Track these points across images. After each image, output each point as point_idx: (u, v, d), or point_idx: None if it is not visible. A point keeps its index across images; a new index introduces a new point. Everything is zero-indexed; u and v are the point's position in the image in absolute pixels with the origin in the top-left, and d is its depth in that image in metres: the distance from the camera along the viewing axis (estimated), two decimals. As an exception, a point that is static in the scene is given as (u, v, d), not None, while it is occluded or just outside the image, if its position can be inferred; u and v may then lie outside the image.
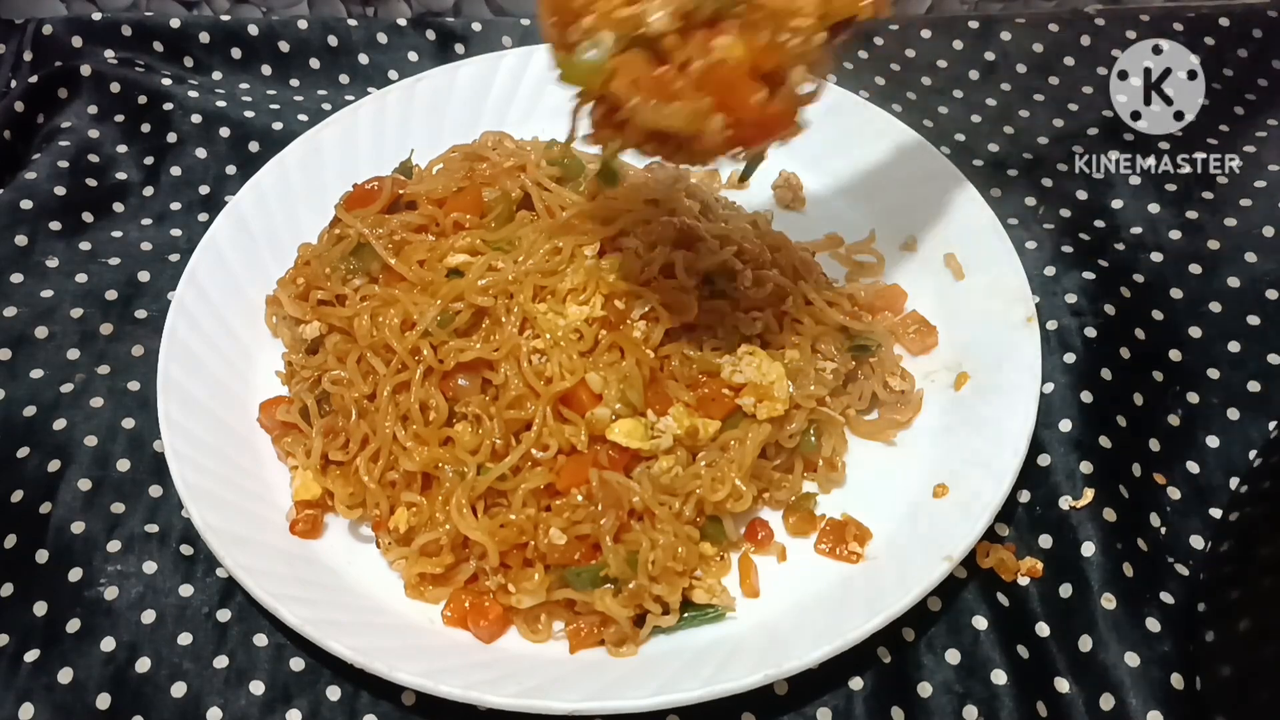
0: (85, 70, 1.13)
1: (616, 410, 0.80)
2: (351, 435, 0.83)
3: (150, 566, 0.82)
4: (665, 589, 0.77)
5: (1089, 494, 0.84)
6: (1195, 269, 1.00)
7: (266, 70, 1.19)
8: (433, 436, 0.81)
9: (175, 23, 1.19)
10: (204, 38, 1.19)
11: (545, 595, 0.77)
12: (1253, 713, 0.71)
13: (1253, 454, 0.89)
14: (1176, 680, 0.76)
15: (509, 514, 0.78)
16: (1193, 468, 0.89)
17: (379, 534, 0.82)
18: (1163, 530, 0.85)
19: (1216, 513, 0.86)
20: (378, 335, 0.84)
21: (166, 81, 1.15)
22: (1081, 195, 1.07)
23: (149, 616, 0.80)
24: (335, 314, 0.88)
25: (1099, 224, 1.04)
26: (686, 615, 0.78)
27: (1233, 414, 0.91)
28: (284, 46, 1.19)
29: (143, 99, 1.13)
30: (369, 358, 0.84)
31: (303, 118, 1.12)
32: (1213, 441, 0.90)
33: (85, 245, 1.03)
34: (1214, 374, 0.93)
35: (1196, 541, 0.84)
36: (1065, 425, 0.88)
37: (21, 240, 1.02)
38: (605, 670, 0.75)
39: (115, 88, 1.13)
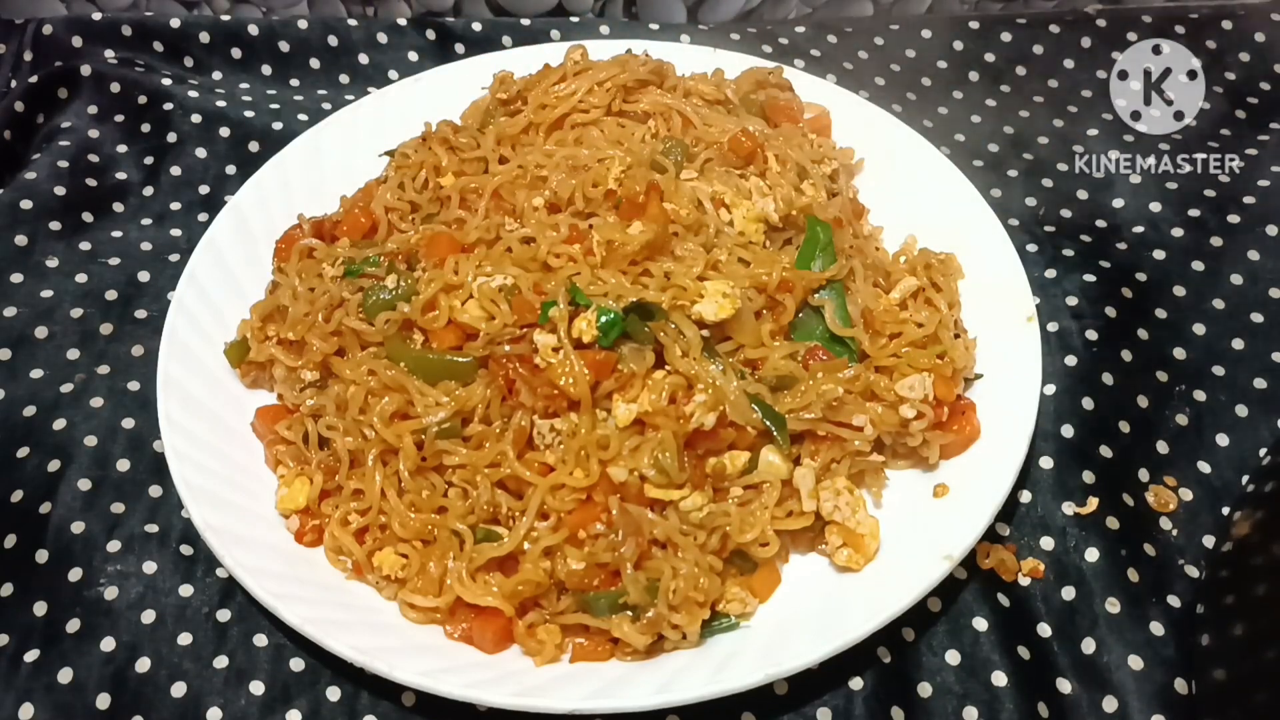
0: (85, 70, 1.13)
1: (652, 478, 0.77)
2: (344, 484, 0.82)
3: (150, 566, 0.82)
4: (685, 618, 0.75)
5: (1093, 502, 0.84)
6: (1198, 266, 1.00)
7: (266, 70, 1.19)
8: (426, 505, 0.79)
9: (175, 23, 1.19)
10: (204, 38, 1.19)
11: (560, 625, 0.77)
12: (1243, 717, 0.71)
13: (1263, 452, 0.88)
14: (1180, 685, 0.76)
15: (523, 571, 0.76)
16: (1204, 467, 0.88)
17: (360, 578, 0.81)
18: (1174, 533, 0.85)
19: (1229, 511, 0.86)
20: (364, 418, 0.82)
21: (166, 81, 1.15)
22: (1082, 195, 1.07)
23: (149, 616, 0.80)
24: (334, 365, 0.86)
25: (1100, 224, 1.04)
26: (705, 628, 0.77)
27: (1241, 411, 0.91)
28: (284, 46, 1.20)
29: (143, 99, 1.13)
30: (358, 422, 0.82)
31: (303, 118, 1.12)
32: (1223, 440, 0.90)
33: (85, 245, 1.03)
34: (1219, 371, 0.93)
35: (1209, 542, 0.84)
36: (1067, 431, 0.88)
37: (21, 240, 1.02)
38: (605, 670, 0.75)
39: (115, 88, 1.13)
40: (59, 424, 0.90)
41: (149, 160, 1.10)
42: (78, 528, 0.84)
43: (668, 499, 0.77)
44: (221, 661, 0.78)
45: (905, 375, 0.82)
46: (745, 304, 0.82)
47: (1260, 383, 0.93)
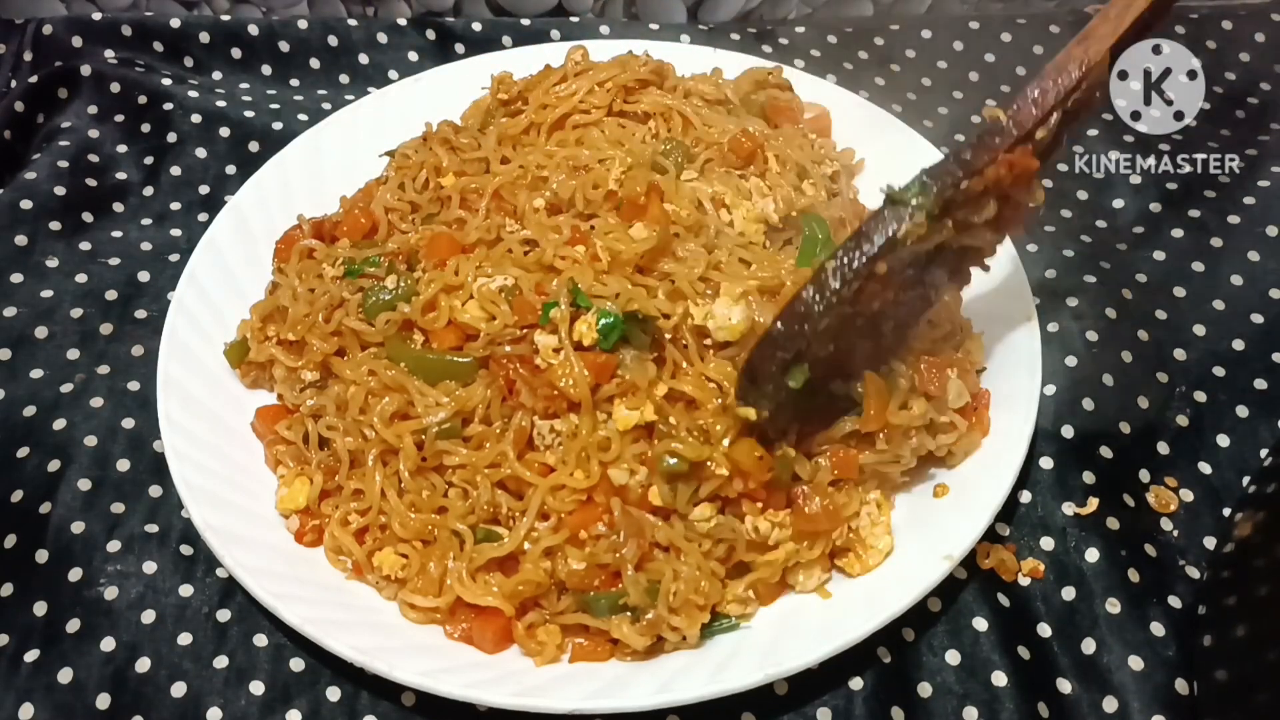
0: (85, 70, 1.13)
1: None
2: (344, 485, 0.82)
3: (150, 566, 0.82)
4: (684, 621, 0.74)
5: (1093, 502, 0.84)
6: (1198, 266, 1.00)
7: (266, 70, 1.19)
8: (426, 505, 0.79)
9: (175, 23, 1.19)
10: (204, 38, 1.19)
11: (560, 626, 0.77)
12: (1245, 718, 0.70)
13: (1264, 453, 0.88)
14: (1181, 686, 0.76)
15: (523, 572, 0.76)
16: (1205, 468, 0.88)
17: (360, 578, 0.81)
18: (1175, 533, 0.85)
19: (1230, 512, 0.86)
20: (364, 418, 0.82)
21: (166, 81, 1.15)
22: (1082, 195, 1.07)
23: (149, 616, 0.80)
24: (334, 365, 0.86)
25: (1100, 224, 1.04)
26: (705, 629, 0.77)
27: (1242, 412, 0.91)
28: (284, 46, 1.20)
29: (143, 99, 1.13)
30: (358, 422, 0.82)
31: (303, 118, 1.12)
32: (1223, 441, 0.90)
33: (85, 245, 1.03)
34: (1219, 372, 0.93)
35: (1210, 543, 0.84)
36: (1068, 431, 0.88)
37: (21, 240, 1.02)
38: (605, 670, 0.75)
39: (115, 88, 1.13)
40: (59, 424, 0.89)
41: (149, 160, 1.10)
42: (78, 528, 0.83)
43: (672, 506, 0.77)
44: (221, 661, 0.78)
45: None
46: (756, 321, 0.81)
47: (1261, 383, 0.93)
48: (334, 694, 0.77)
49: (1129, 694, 0.76)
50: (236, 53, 1.19)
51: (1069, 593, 0.81)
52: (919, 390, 0.80)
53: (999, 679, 0.77)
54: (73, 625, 0.79)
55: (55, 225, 1.04)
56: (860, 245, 0.72)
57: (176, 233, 1.05)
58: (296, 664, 0.78)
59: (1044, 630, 0.79)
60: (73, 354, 0.95)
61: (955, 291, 0.84)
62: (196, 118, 1.12)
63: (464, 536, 0.78)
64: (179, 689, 0.76)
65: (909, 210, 0.71)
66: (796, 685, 0.76)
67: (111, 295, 0.99)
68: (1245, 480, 0.87)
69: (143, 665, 0.77)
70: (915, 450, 0.81)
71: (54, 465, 0.87)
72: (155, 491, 0.86)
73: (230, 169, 1.10)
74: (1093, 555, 0.82)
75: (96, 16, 1.19)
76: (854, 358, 0.77)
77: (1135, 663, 0.77)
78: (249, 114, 1.13)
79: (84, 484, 0.86)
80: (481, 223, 0.89)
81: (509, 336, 0.80)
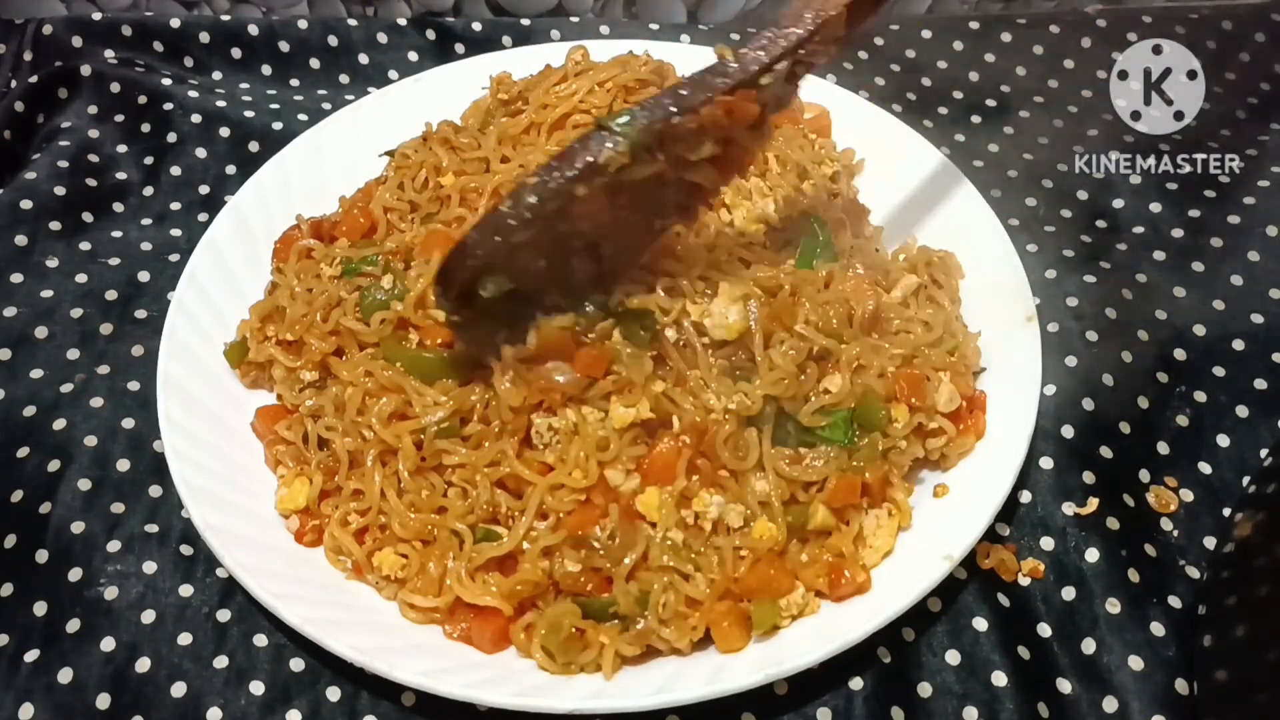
0: (85, 70, 1.13)
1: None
2: (343, 485, 0.81)
3: (150, 566, 0.82)
4: (674, 633, 0.74)
5: (1093, 502, 0.84)
6: (1198, 266, 1.00)
7: (266, 70, 1.19)
8: (425, 505, 0.79)
9: (175, 23, 1.19)
10: (204, 38, 1.19)
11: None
12: (1244, 718, 0.70)
13: (1264, 453, 0.88)
14: (1181, 686, 0.76)
15: (522, 571, 0.76)
16: (1205, 468, 0.88)
17: (360, 578, 0.80)
18: (1175, 533, 0.85)
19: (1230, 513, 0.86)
20: (363, 419, 0.81)
21: (166, 81, 1.15)
22: (1082, 195, 1.07)
23: (149, 616, 0.80)
24: (333, 365, 0.86)
25: (1100, 224, 1.04)
26: None
27: (1241, 411, 0.91)
28: (284, 46, 1.20)
29: (143, 99, 1.13)
30: (357, 423, 0.82)
31: (303, 118, 1.12)
32: (1223, 441, 0.90)
33: (85, 245, 1.03)
34: (1219, 372, 0.93)
35: (1210, 543, 0.84)
36: (1068, 431, 0.88)
37: (21, 240, 1.02)
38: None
39: (115, 88, 1.13)
40: (59, 424, 0.89)
41: (149, 160, 1.10)
42: (78, 528, 0.83)
43: (655, 520, 0.77)
44: (221, 661, 0.78)
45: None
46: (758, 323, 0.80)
47: (1261, 383, 0.93)
48: (334, 694, 0.77)
49: (1129, 694, 0.76)
50: (236, 53, 1.19)
51: (1069, 593, 0.81)
52: (901, 401, 0.80)
53: (999, 679, 0.77)
54: (73, 625, 0.79)
55: (55, 225, 1.04)
56: (562, 166, 0.72)
57: (176, 233, 1.05)
58: (296, 664, 0.78)
59: (1044, 630, 0.79)
60: (73, 354, 0.95)
61: (683, 226, 0.83)
62: (196, 118, 1.12)
63: (463, 536, 0.78)
64: (179, 689, 0.76)
65: (613, 139, 0.71)
66: (796, 685, 0.76)
67: (111, 295, 0.99)
68: (1245, 480, 0.87)
69: (143, 665, 0.77)
70: (907, 456, 0.81)
71: (54, 465, 0.87)
72: (155, 491, 0.86)
73: (230, 169, 1.10)
74: (1093, 555, 0.82)
75: (96, 16, 1.19)
76: (573, 275, 0.77)
77: (1135, 663, 0.77)
78: (249, 114, 1.13)
79: (84, 484, 0.86)
80: (480, 221, 0.89)
81: None
